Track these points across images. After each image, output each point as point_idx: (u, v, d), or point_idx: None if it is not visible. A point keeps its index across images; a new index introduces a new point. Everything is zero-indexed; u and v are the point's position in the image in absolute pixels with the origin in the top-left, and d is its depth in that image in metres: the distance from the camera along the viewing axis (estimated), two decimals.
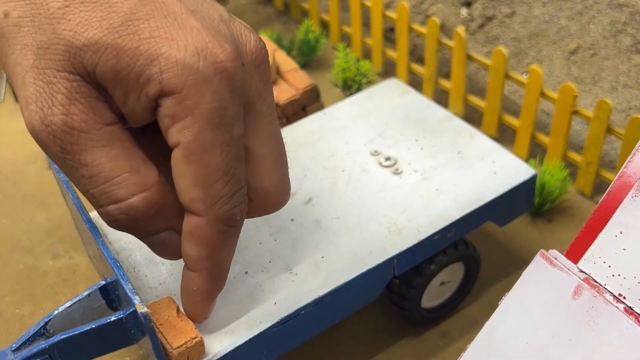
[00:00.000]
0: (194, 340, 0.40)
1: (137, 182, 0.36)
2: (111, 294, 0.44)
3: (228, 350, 0.42)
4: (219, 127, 0.35)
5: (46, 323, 0.41)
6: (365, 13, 0.84)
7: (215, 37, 0.36)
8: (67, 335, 0.39)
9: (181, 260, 0.47)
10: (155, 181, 0.37)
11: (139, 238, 0.39)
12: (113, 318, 0.40)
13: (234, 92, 0.36)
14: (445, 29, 0.81)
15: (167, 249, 0.40)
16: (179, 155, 0.36)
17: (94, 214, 0.51)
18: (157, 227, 0.38)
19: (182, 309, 0.43)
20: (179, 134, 0.35)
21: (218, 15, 0.38)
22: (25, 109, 0.35)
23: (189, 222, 0.37)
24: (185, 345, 0.40)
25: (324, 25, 0.89)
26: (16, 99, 0.83)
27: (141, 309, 0.38)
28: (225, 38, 0.36)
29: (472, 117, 0.74)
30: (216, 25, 0.37)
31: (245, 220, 0.49)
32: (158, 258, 0.47)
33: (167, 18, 0.35)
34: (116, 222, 0.37)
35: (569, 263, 0.42)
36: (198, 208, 0.37)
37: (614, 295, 0.40)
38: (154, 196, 0.36)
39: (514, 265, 0.59)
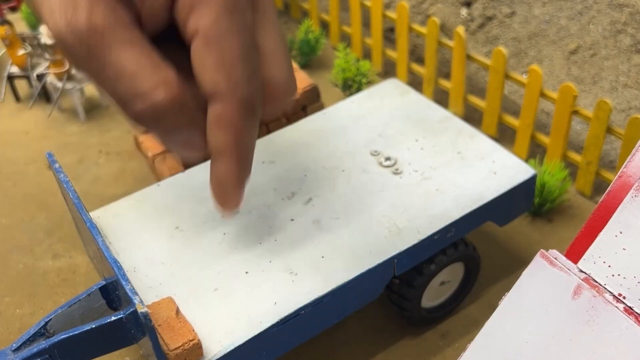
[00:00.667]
0: (192, 343, 0.40)
1: (159, 76, 0.37)
2: (111, 294, 0.44)
3: (228, 350, 0.42)
4: (233, 13, 0.37)
5: (46, 323, 0.42)
6: (365, 13, 0.84)
7: None
8: (67, 335, 0.39)
9: (182, 261, 0.47)
10: (175, 77, 0.37)
11: (164, 138, 0.40)
12: (113, 318, 0.40)
13: None
14: (445, 29, 0.81)
15: (190, 146, 0.40)
16: (199, 43, 0.37)
17: (93, 214, 0.51)
18: (180, 121, 0.38)
19: (181, 310, 0.43)
20: (197, 21, 0.37)
21: None
22: (50, 17, 0.36)
23: (215, 110, 0.38)
24: (182, 348, 0.40)
25: (324, 25, 0.89)
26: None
27: (141, 308, 0.38)
28: None
29: (472, 117, 0.74)
30: None
31: (245, 219, 0.50)
32: (158, 258, 0.47)
33: None
34: (142, 116, 0.37)
35: (569, 263, 0.42)
36: (222, 92, 0.38)
37: (614, 295, 0.40)
38: (175, 89, 0.37)
39: (513, 265, 0.59)
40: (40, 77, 0.80)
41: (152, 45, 0.38)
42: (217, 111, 0.38)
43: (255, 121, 0.40)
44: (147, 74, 0.36)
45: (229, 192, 0.41)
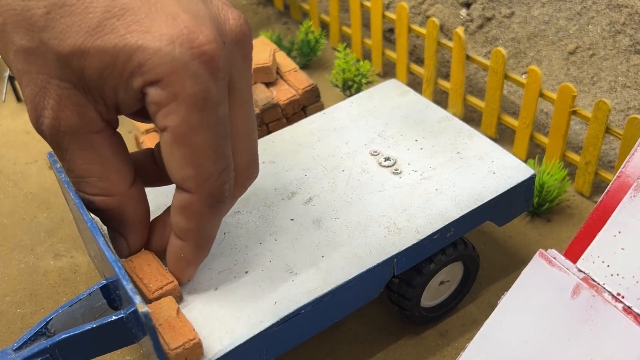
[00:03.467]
0: (192, 342, 0.41)
1: (102, 187, 0.40)
2: (112, 293, 0.44)
3: (228, 350, 0.42)
4: (203, 109, 0.37)
5: (47, 322, 0.42)
6: (365, 14, 0.84)
7: (193, 20, 0.37)
8: (68, 334, 0.39)
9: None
10: (119, 192, 0.41)
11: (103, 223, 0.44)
12: (114, 317, 0.40)
13: (216, 73, 0.37)
14: (444, 30, 0.81)
15: (114, 244, 0.44)
16: (167, 139, 0.38)
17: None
18: (111, 225, 0.43)
19: (182, 310, 0.43)
20: (166, 119, 0.37)
21: None
22: (26, 105, 0.39)
23: (181, 198, 0.40)
24: (183, 347, 0.40)
25: (324, 26, 0.89)
26: (18, 98, 0.83)
27: (142, 308, 0.38)
28: (204, 19, 0.37)
29: (472, 117, 0.74)
30: (194, 6, 0.38)
31: (245, 219, 0.50)
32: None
33: (141, 9, 0.36)
34: (85, 205, 0.42)
35: (568, 263, 0.42)
36: (189, 186, 0.39)
37: (613, 295, 0.40)
38: (112, 202, 0.41)
39: (513, 264, 0.59)
40: None
41: (115, 153, 0.40)
42: (183, 200, 0.40)
43: (223, 209, 0.42)
44: (92, 181, 0.40)
45: (182, 269, 0.43)
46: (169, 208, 0.44)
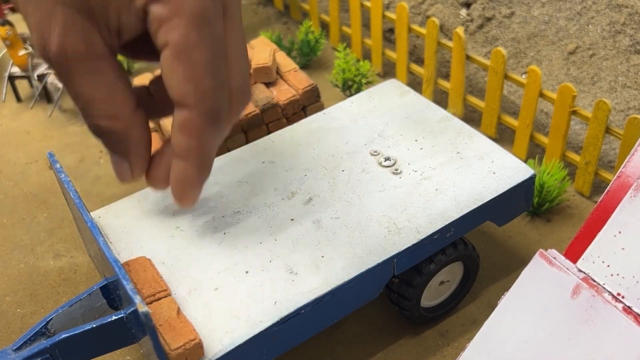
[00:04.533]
0: (193, 342, 0.41)
1: (108, 109, 0.41)
2: (112, 293, 0.44)
3: (228, 350, 0.42)
4: (202, 26, 0.39)
5: (47, 322, 0.42)
6: (365, 14, 0.84)
7: None
8: (68, 334, 0.39)
9: (182, 260, 0.48)
10: (125, 114, 0.42)
11: (106, 149, 0.44)
12: (114, 317, 0.40)
13: None
14: (444, 30, 0.81)
15: (116, 170, 0.44)
16: (168, 55, 0.39)
17: (94, 214, 0.51)
18: (116, 148, 0.43)
19: (182, 311, 0.43)
20: (167, 34, 0.39)
21: None
22: (31, 36, 0.40)
23: (181, 116, 0.41)
24: (183, 347, 0.40)
25: (324, 26, 0.89)
26: (18, 99, 0.83)
27: (142, 308, 0.38)
28: None
29: (472, 117, 0.74)
30: None
31: (245, 219, 0.50)
32: (159, 257, 0.48)
33: None
34: (90, 130, 0.43)
35: (568, 263, 0.42)
36: (189, 102, 0.40)
37: (613, 295, 0.40)
38: (117, 125, 0.42)
39: (513, 264, 0.59)
40: (41, 77, 0.80)
41: (118, 78, 0.41)
42: (183, 118, 0.41)
43: (220, 129, 0.43)
44: (99, 104, 0.41)
45: (186, 191, 0.44)
46: (167, 141, 0.45)
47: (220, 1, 0.40)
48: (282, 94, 0.62)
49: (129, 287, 0.39)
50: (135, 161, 0.44)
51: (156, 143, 0.62)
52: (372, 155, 0.55)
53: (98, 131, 0.42)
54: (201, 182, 0.44)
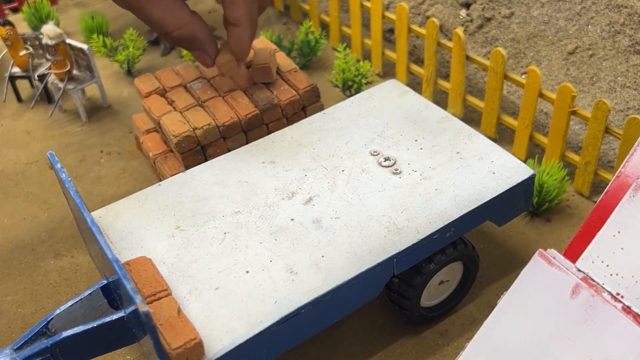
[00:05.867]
0: (193, 342, 0.41)
1: (175, 22, 0.57)
2: (113, 293, 0.44)
3: (229, 349, 0.42)
4: None
5: (48, 322, 0.42)
6: (365, 14, 0.84)
7: None
8: (69, 334, 0.39)
9: (183, 260, 0.48)
10: (186, 21, 0.57)
11: (189, 51, 0.61)
12: (114, 317, 0.40)
13: None
14: (444, 30, 0.81)
15: (200, 60, 0.61)
16: None
17: (95, 214, 0.52)
18: (193, 47, 0.60)
19: (182, 310, 0.44)
20: None
21: None
22: None
23: None
24: (184, 346, 0.40)
25: (324, 26, 0.90)
26: (18, 99, 0.83)
27: (143, 308, 0.38)
28: None
29: (471, 117, 0.74)
30: None
31: (246, 219, 0.50)
32: (159, 257, 0.48)
33: None
34: (169, 41, 0.60)
35: (567, 262, 0.42)
36: None
37: (612, 295, 0.40)
38: (186, 31, 0.58)
39: (512, 264, 0.59)
40: (41, 77, 0.80)
41: None
42: None
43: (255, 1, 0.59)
44: (168, 22, 0.57)
45: (245, 48, 0.60)
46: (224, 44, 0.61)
47: None
48: (282, 94, 0.62)
49: (129, 286, 0.39)
50: (209, 48, 0.60)
51: (156, 142, 0.62)
52: (372, 155, 0.55)
53: (178, 40, 0.58)
54: (252, 39, 0.60)
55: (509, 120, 0.69)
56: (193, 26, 0.58)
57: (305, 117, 0.62)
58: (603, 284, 0.40)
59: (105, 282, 0.44)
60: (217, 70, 0.63)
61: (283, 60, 0.66)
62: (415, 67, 0.77)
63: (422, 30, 0.73)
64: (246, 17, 0.58)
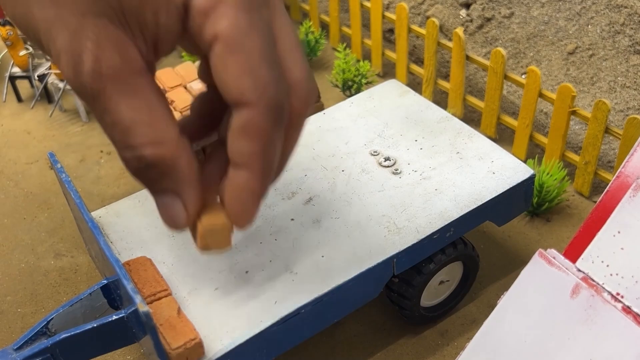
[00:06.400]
0: (193, 342, 0.41)
1: (151, 134, 0.36)
2: (113, 293, 0.44)
3: (229, 349, 0.42)
4: (251, 10, 0.35)
5: (48, 322, 0.42)
6: (365, 14, 0.84)
7: None
8: (69, 334, 0.39)
9: (183, 260, 0.48)
10: (171, 139, 0.37)
11: (150, 193, 0.39)
12: (114, 317, 0.40)
13: None
14: (444, 30, 0.81)
15: (167, 214, 0.39)
16: (220, 48, 0.35)
17: (95, 214, 0.52)
18: (164, 185, 0.38)
19: (182, 310, 0.44)
20: (215, 25, 0.35)
21: None
22: (58, 62, 0.35)
23: (241, 117, 0.37)
24: (184, 346, 0.40)
25: (324, 26, 0.90)
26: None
27: (142, 308, 0.38)
28: None
29: (471, 117, 0.74)
30: None
31: None
32: (159, 257, 0.48)
33: None
34: (130, 168, 0.37)
35: (567, 262, 0.42)
36: (249, 98, 0.36)
37: (612, 295, 0.40)
38: (164, 151, 0.36)
39: (512, 264, 0.59)
40: (41, 77, 0.80)
41: (158, 99, 0.37)
42: (244, 118, 0.36)
43: (282, 127, 0.38)
44: (141, 129, 0.36)
45: (248, 205, 0.39)
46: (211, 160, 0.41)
47: None
48: None
49: (129, 286, 0.39)
50: (189, 194, 0.38)
51: None
52: (372, 155, 0.55)
53: (141, 164, 0.37)
54: (264, 193, 0.39)
55: (509, 120, 0.69)
56: (178, 149, 0.37)
57: None
58: (603, 284, 0.40)
59: (105, 282, 0.44)
60: (196, 240, 0.39)
61: None
62: (415, 67, 0.77)
63: (422, 30, 0.73)
64: (260, 157, 0.38)
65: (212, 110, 0.42)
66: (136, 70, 0.36)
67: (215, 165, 0.41)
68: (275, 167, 0.40)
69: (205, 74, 0.42)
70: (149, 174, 0.37)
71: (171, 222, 0.39)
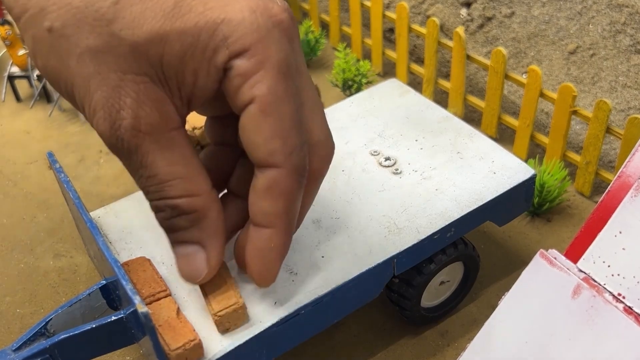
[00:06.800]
0: (192, 343, 0.41)
1: (187, 187, 0.38)
2: (112, 293, 0.44)
3: (228, 350, 0.42)
4: (287, 78, 0.37)
5: (47, 322, 0.42)
6: (365, 13, 0.84)
7: None
8: (68, 334, 0.39)
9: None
10: (205, 191, 0.38)
11: (172, 246, 0.41)
12: (113, 318, 0.40)
13: (292, 42, 0.37)
14: (444, 30, 0.81)
15: (188, 265, 0.41)
16: (255, 110, 0.36)
17: (94, 214, 0.51)
18: (192, 235, 0.39)
19: (182, 311, 0.43)
20: (253, 89, 0.36)
21: None
22: (94, 116, 0.36)
23: (267, 177, 0.38)
24: (183, 347, 0.40)
25: (324, 26, 0.89)
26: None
27: (142, 308, 0.38)
28: None
29: (472, 117, 0.74)
30: None
31: None
32: (159, 257, 0.47)
33: None
34: (161, 215, 0.39)
35: (569, 263, 0.42)
36: (277, 159, 0.37)
37: (614, 295, 0.40)
38: (198, 203, 0.38)
39: (513, 264, 0.59)
40: (40, 77, 0.80)
41: (193, 153, 0.38)
42: (270, 179, 0.38)
43: (303, 187, 0.40)
44: (177, 182, 0.37)
45: (272, 265, 0.40)
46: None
47: (293, 52, 0.38)
48: None
49: (128, 287, 0.39)
50: (214, 245, 0.40)
51: None
52: (372, 155, 0.54)
53: (174, 213, 0.38)
54: (285, 253, 0.41)
55: (510, 120, 0.69)
56: (211, 202, 0.39)
57: None
58: (604, 284, 0.40)
59: (104, 282, 0.44)
60: (209, 304, 0.42)
61: None
62: (415, 67, 0.77)
63: (423, 30, 0.73)
64: (284, 217, 0.39)
65: (220, 167, 0.44)
66: (173, 127, 0.37)
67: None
68: (295, 225, 0.41)
69: (215, 132, 0.44)
70: (179, 222, 0.39)
71: (191, 273, 0.41)
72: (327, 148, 0.42)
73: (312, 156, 0.40)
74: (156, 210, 0.39)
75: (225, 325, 0.42)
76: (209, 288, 0.43)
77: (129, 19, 0.34)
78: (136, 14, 0.34)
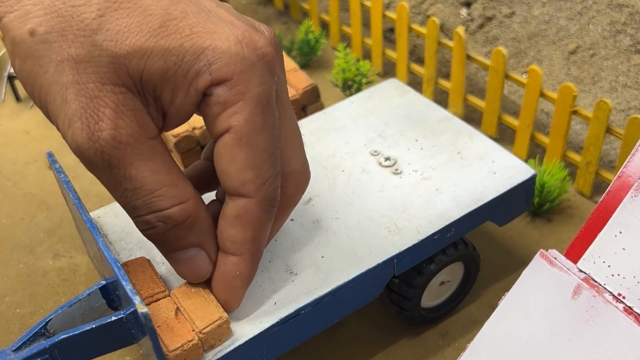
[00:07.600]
0: (191, 343, 0.40)
1: (176, 194, 0.38)
2: (111, 293, 0.44)
3: (228, 350, 0.42)
4: (266, 110, 0.37)
5: (47, 323, 0.41)
6: (365, 13, 0.84)
7: (248, 27, 0.38)
8: (68, 335, 0.39)
9: None
10: (191, 195, 0.39)
11: (167, 254, 0.41)
12: (113, 318, 0.40)
13: (274, 75, 0.38)
14: (444, 29, 0.81)
15: (193, 267, 0.41)
16: (230, 140, 0.37)
17: (94, 214, 0.51)
18: (189, 240, 0.40)
19: (181, 311, 0.43)
20: (231, 118, 0.37)
21: (232, 8, 0.40)
22: (69, 127, 0.35)
23: (237, 206, 0.39)
24: (181, 348, 0.40)
25: (324, 26, 0.89)
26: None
27: (141, 309, 0.38)
28: (253, 27, 0.38)
29: (472, 117, 0.74)
30: (241, 17, 0.39)
31: None
32: (158, 257, 0.47)
33: (201, 14, 0.37)
34: (153, 231, 0.38)
35: (569, 263, 0.42)
36: (248, 190, 0.38)
37: (614, 295, 0.40)
38: (190, 208, 0.38)
39: (513, 265, 0.59)
40: None
41: (171, 159, 0.38)
42: (240, 207, 0.38)
43: (272, 217, 0.40)
44: (165, 191, 0.37)
45: (237, 290, 0.41)
46: None
47: (274, 85, 0.38)
48: None
49: (128, 287, 0.39)
50: (211, 243, 0.40)
51: None
52: (372, 155, 0.54)
53: (168, 225, 0.38)
54: (251, 280, 0.42)
55: (510, 120, 0.69)
56: (199, 205, 0.39)
57: (305, 116, 0.62)
58: (604, 284, 0.40)
59: (104, 282, 0.44)
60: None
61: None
62: (415, 67, 0.77)
63: (423, 30, 0.73)
64: (251, 245, 0.40)
65: (205, 179, 0.44)
66: (151, 135, 0.37)
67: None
68: (262, 251, 0.42)
69: (207, 149, 0.45)
70: (175, 232, 0.39)
71: (196, 273, 0.41)
72: (302, 177, 0.43)
73: (286, 183, 0.42)
74: (147, 226, 0.38)
75: (210, 342, 0.41)
76: (188, 306, 0.42)
77: (113, 32, 0.35)
78: (121, 27, 0.35)
